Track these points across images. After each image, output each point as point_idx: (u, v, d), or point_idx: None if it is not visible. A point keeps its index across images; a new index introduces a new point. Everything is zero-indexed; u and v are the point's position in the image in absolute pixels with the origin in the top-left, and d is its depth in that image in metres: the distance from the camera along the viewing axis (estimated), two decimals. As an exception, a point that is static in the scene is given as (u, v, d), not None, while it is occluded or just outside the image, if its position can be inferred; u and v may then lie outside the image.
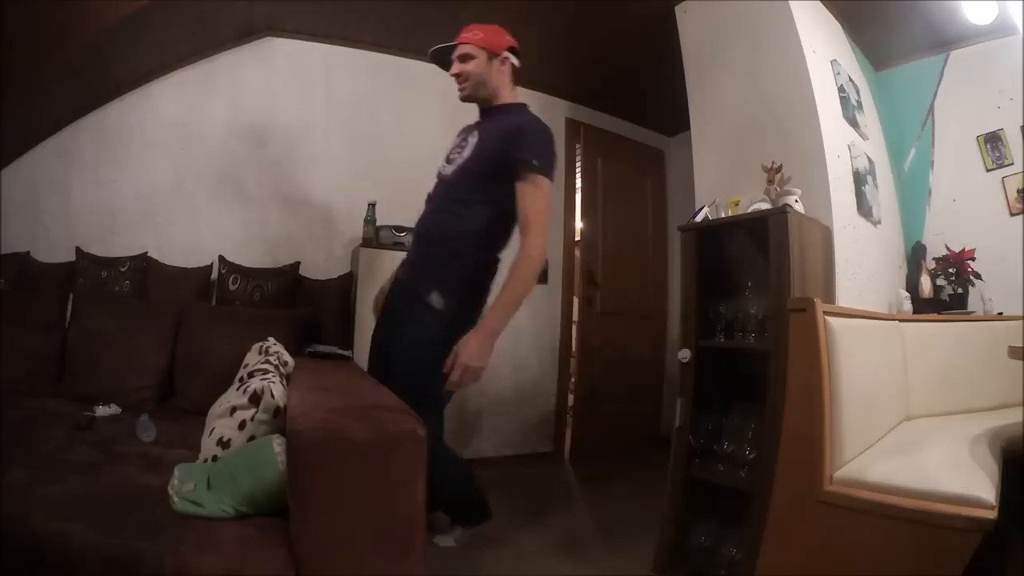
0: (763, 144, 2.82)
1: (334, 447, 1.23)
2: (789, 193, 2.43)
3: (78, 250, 3.16)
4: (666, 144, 5.54)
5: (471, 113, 2.44)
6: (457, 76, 2.29)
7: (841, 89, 2.96)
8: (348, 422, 1.29)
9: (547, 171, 2.09)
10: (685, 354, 2.46)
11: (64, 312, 3.00)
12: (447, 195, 2.28)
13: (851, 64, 3.26)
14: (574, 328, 4.77)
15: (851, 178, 2.82)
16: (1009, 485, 1.61)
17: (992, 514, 1.41)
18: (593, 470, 4.31)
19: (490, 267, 2.26)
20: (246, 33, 3.71)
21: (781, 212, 2.22)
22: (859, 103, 3.14)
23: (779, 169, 2.57)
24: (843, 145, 2.83)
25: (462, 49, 2.26)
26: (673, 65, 3.42)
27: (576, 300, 4.78)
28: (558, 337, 4.72)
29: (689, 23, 3.39)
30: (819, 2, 3.09)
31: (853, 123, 3.00)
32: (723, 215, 2.61)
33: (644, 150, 5.37)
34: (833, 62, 2.97)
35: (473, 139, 2.27)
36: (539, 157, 2.08)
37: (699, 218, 2.60)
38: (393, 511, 1.27)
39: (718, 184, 3.05)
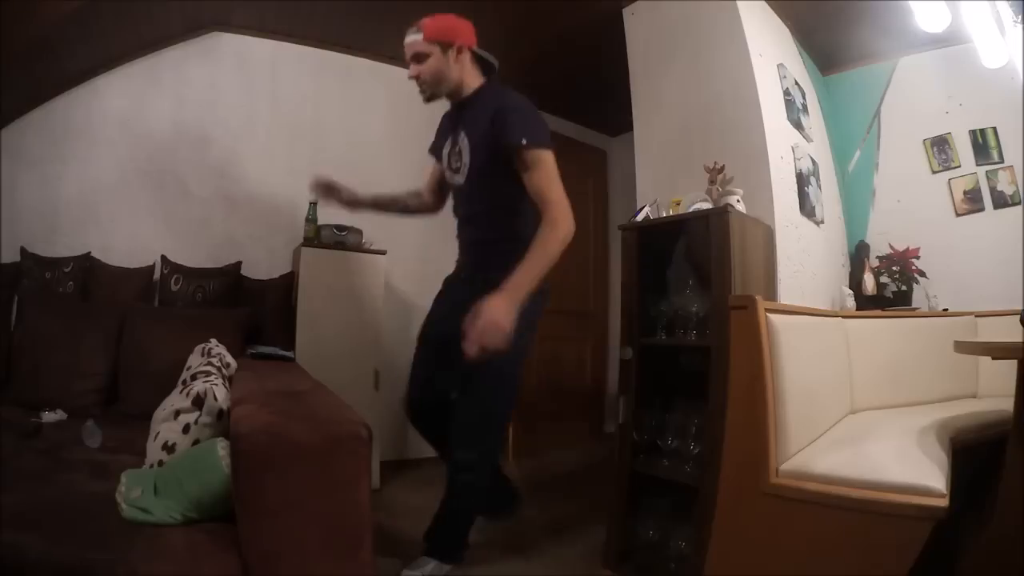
0: (706, 145, 2.87)
1: (277, 449, 1.23)
2: (731, 193, 2.48)
3: (23, 250, 3.06)
4: (609, 144, 5.61)
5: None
6: (415, 79, 2.18)
7: (787, 92, 3.03)
8: (291, 424, 1.29)
9: (540, 143, 2.04)
10: (627, 352, 2.50)
11: (9, 315, 2.90)
12: (474, 202, 2.29)
13: (798, 68, 3.34)
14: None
15: (794, 179, 2.90)
16: (960, 474, 1.64)
17: (943, 502, 1.43)
18: (537, 468, 4.30)
19: None
20: (193, 28, 3.64)
21: (722, 212, 2.27)
22: (804, 106, 3.21)
23: (721, 170, 2.62)
24: (787, 147, 2.90)
25: (413, 49, 2.14)
26: (618, 66, 3.46)
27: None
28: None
29: (637, 25, 3.42)
30: (768, 8, 3.15)
31: (798, 126, 3.08)
32: (664, 215, 2.65)
33: (586, 150, 5.43)
34: (780, 66, 3.04)
35: (464, 142, 2.22)
36: (527, 135, 2.02)
37: (640, 217, 2.64)
38: (340, 512, 1.27)
39: (660, 184, 3.09)
